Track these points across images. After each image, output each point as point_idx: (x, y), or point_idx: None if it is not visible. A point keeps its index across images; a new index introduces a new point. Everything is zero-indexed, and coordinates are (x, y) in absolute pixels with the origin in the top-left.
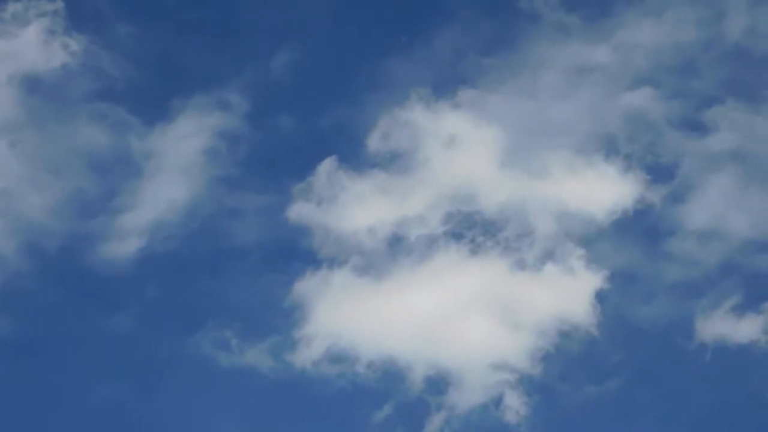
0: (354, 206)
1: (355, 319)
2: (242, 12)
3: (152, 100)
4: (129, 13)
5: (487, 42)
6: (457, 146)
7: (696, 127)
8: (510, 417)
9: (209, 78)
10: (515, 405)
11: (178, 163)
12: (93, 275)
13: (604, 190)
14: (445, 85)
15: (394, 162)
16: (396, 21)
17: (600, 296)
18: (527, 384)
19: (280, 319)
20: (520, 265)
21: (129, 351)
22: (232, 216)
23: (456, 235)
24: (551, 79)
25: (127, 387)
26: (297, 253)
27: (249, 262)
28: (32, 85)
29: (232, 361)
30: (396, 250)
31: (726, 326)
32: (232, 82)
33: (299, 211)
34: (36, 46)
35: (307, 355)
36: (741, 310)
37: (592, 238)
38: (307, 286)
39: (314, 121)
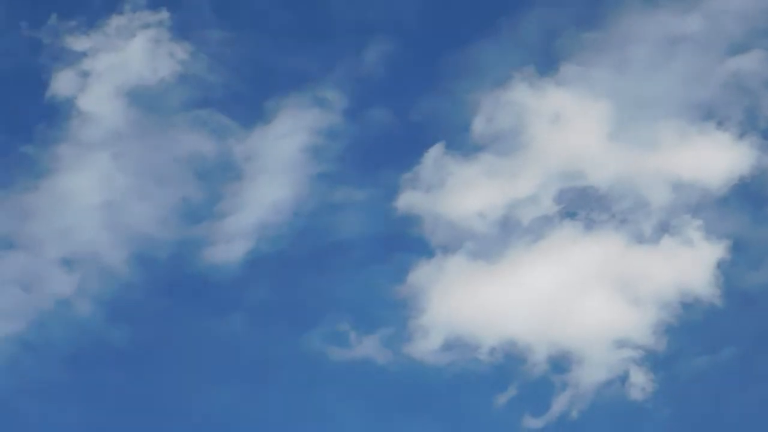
0: (463, 191)
1: (472, 304)
2: (331, 10)
3: (249, 103)
4: (223, 18)
5: (577, 18)
6: (563, 123)
7: None
8: (636, 394)
9: (303, 77)
10: (641, 382)
11: (278, 163)
12: (202, 280)
13: (717, 158)
14: (547, 63)
15: (501, 144)
16: (483, 6)
17: (721, 266)
18: (652, 360)
19: (395, 311)
20: (637, 239)
21: (243, 352)
22: (336, 211)
23: (569, 213)
24: (645, 51)
25: (243, 389)
26: (409, 243)
27: (358, 256)
28: (136, 97)
29: (346, 356)
30: (509, 232)
31: None
32: (327, 79)
33: (408, 200)
34: (141, 58)
35: (425, 346)
36: None
37: (709, 208)
38: (420, 275)
39: (413, 111)
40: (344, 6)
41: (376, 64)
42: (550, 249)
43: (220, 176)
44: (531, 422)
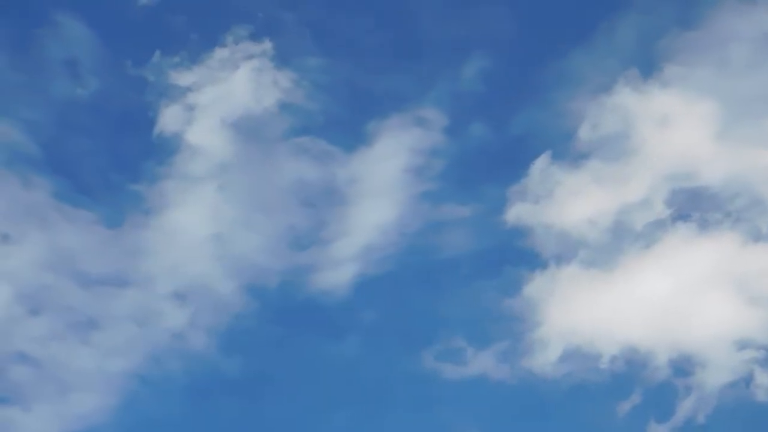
0: (572, 200)
1: (589, 313)
2: (425, 29)
3: (350, 127)
4: (320, 45)
5: (674, 19)
6: (670, 124)
7: None
8: (762, 395)
9: (402, 97)
10: (767, 383)
11: (381, 185)
12: (312, 306)
13: None
14: (649, 65)
15: (608, 149)
16: (577, 15)
17: None
18: None
19: (509, 325)
20: (753, 237)
21: (357, 375)
22: (442, 229)
23: (682, 215)
24: (744, 49)
25: (359, 411)
26: (520, 256)
27: (467, 272)
28: (241, 127)
29: (461, 373)
30: (621, 238)
31: None
32: (425, 98)
33: (517, 212)
34: (245, 89)
35: (543, 358)
36: None
37: None
38: (535, 287)
39: (514, 124)
40: (438, 25)
41: (473, 80)
42: (665, 252)
43: (324, 202)
44: (656, 429)
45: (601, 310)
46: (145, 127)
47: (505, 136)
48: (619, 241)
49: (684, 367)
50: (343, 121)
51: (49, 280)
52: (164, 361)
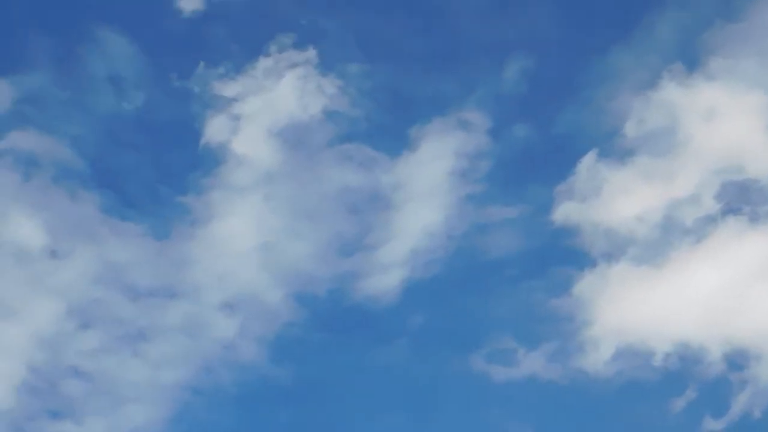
0: (620, 197)
1: (641, 311)
2: (465, 32)
3: (393, 133)
4: (361, 50)
5: (715, 11)
6: (717, 117)
7: None
8: None
9: (444, 101)
10: None
11: (426, 189)
12: (361, 312)
13: None
14: (693, 59)
15: (655, 145)
16: (617, 11)
17: None
18: None
19: (558, 325)
20: None
21: (408, 380)
22: (488, 231)
23: (732, 209)
24: None
25: (410, 416)
26: (568, 255)
27: (515, 273)
28: (286, 136)
29: (511, 374)
30: (671, 233)
31: None
32: (468, 101)
33: (564, 212)
34: (290, 97)
35: (595, 357)
36: None
37: None
38: (584, 286)
39: (557, 124)
40: (478, 26)
41: (515, 80)
42: (715, 247)
43: (370, 208)
44: (711, 424)
45: (653, 307)
46: (191, 139)
47: (549, 136)
48: (668, 237)
49: (738, 361)
50: (386, 127)
51: (98, 294)
52: (215, 371)
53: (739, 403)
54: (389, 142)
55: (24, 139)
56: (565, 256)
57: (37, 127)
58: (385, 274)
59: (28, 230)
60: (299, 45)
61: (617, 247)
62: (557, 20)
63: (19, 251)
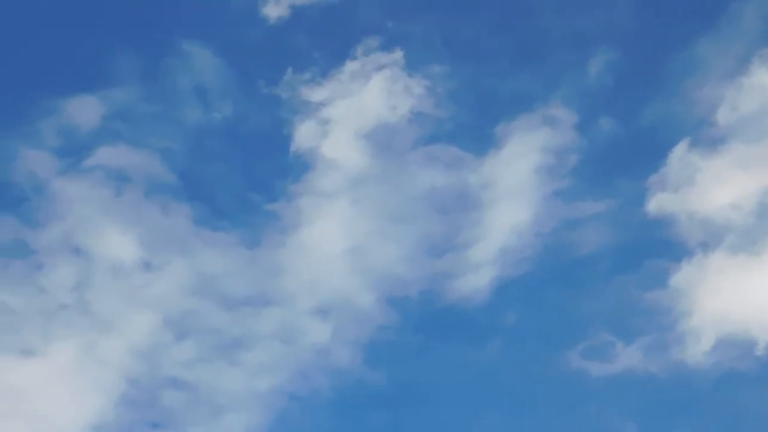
0: (715, 185)
1: (741, 300)
2: (547, 27)
3: (479, 132)
4: (445, 51)
5: None
6: None
7: None
8: None
9: (529, 98)
10: None
11: (514, 187)
12: (453, 312)
13: None
14: None
15: (749, 131)
16: (698, 2)
17: None
18: None
19: (654, 318)
20: None
21: (503, 378)
22: (578, 226)
23: None
24: None
25: (507, 414)
26: (664, 246)
27: (607, 267)
28: (374, 138)
29: (608, 369)
30: (767, 220)
31: None
32: (553, 97)
33: (658, 203)
34: (378, 99)
35: (695, 349)
36: None
37: None
38: (682, 277)
39: (643, 115)
40: (559, 21)
41: (600, 74)
42: None
43: (458, 207)
44: None
45: (752, 295)
46: (281, 146)
47: (636, 128)
48: (765, 224)
49: None
50: (472, 126)
51: (193, 305)
52: (311, 376)
53: None
54: (475, 142)
55: (114, 155)
56: (659, 247)
57: (126, 141)
58: (476, 274)
59: (121, 244)
60: (386, 47)
61: (713, 237)
62: (640, 12)
63: (113, 266)
